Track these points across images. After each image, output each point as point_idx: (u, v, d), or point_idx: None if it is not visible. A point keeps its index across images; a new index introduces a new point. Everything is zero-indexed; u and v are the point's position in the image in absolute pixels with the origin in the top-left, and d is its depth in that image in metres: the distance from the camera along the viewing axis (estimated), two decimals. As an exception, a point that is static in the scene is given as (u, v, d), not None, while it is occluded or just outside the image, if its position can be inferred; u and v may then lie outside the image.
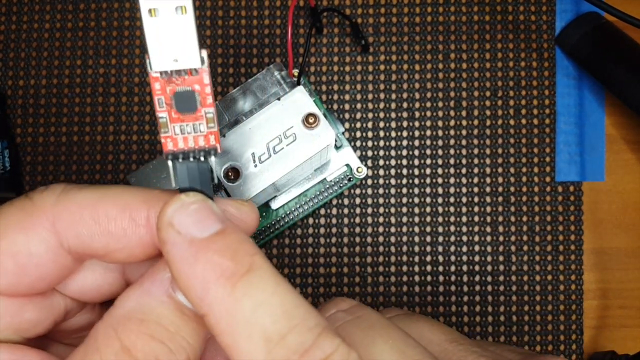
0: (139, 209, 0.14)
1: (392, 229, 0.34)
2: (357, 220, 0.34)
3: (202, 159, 0.15)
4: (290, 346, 0.12)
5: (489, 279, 0.33)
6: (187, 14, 0.14)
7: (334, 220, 0.34)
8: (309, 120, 0.28)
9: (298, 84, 0.31)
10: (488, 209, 0.34)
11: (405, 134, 0.34)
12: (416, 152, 0.34)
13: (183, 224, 0.13)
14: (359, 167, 0.33)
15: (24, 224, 0.14)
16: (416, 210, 0.34)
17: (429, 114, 0.34)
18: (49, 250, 0.14)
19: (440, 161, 0.34)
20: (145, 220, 0.14)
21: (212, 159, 0.15)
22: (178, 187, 0.15)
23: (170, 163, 0.15)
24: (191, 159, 0.15)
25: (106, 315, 0.14)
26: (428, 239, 0.34)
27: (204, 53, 0.15)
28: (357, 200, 0.34)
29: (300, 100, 0.28)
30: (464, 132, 0.34)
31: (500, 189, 0.34)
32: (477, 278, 0.33)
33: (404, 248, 0.34)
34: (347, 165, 0.33)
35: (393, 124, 0.34)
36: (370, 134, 0.34)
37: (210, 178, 0.15)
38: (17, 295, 0.14)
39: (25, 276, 0.14)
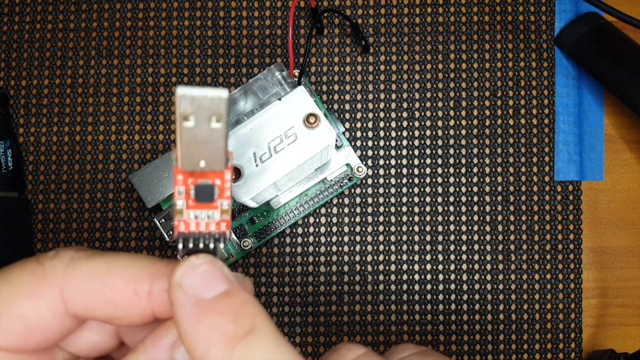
0: (143, 283, 0.15)
1: (392, 228, 0.34)
2: (358, 219, 0.34)
3: (211, 245, 0.16)
4: None
5: (489, 277, 0.34)
6: (220, 122, 0.14)
7: (334, 220, 0.34)
8: (310, 120, 0.28)
9: (299, 84, 0.31)
10: (487, 208, 0.34)
11: (405, 133, 0.34)
12: (416, 152, 0.34)
13: (191, 286, 0.14)
14: (359, 167, 0.33)
15: (34, 290, 0.15)
16: (416, 209, 0.34)
17: (428, 113, 0.34)
18: (56, 316, 0.15)
19: (440, 161, 0.34)
20: (147, 294, 0.15)
21: (221, 245, 0.16)
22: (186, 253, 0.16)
23: (180, 245, 0.15)
24: (201, 245, 0.16)
25: None
26: (428, 238, 0.34)
27: (229, 155, 0.15)
28: (358, 200, 0.34)
29: (301, 100, 0.28)
30: (463, 132, 0.34)
31: (499, 188, 0.34)
32: (476, 277, 0.34)
33: (404, 247, 0.34)
34: (348, 164, 0.33)
35: (393, 124, 0.34)
36: (370, 134, 0.34)
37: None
38: (22, 352, 0.15)
39: (33, 337, 0.15)
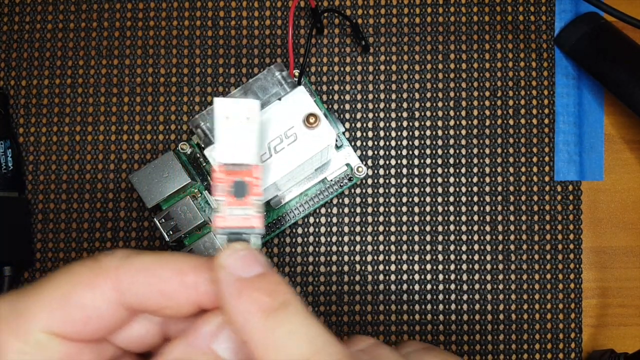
0: (188, 274, 0.17)
1: (392, 228, 0.34)
2: (358, 219, 0.34)
3: (248, 237, 0.18)
4: None
5: (488, 277, 0.34)
6: (252, 123, 0.18)
7: (334, 220, 0.34)
8: (310, 120, 0.28)
9: (299, 84, 0.31)
10: (487, 208, 0.34)
11: (405, 133, 0.34)
12: (416, 152, 0.34)
13: (233, 266, 0.16)
14: (359, 167, 0.33)
15: (92, 283, 0.16)
16: (416, 209, 0.34)
17: (428, 113, 0.34)
18: (111, 306, 0.17)
19: (439, 161, 0.34)
20: (193, 284, 0.17)
21: (255, 238, 0.18)
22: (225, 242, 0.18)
23: (221, 237, 0.18)
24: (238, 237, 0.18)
25: None
26: (428, 238, 0.34)
27: (259, 155, 0.18)
28: (358, 200, 0.34)
29: (301, 100, 0.28)
30: (463, 132, 0.34)
31: (499, 188, 0.34)
32: (476, 277, 0.34)
33: (404, 247, 0.34)
34: (348, 164, 0.33)
35: (393, 124, 0.34)
36: (370, 134, 0.34)
37: None
38: (79, 341, 0.17)
39: (89, 326, 0.16)
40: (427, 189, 0.34)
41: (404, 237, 0.34)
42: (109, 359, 0.18)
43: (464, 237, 0.34)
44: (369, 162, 0.34)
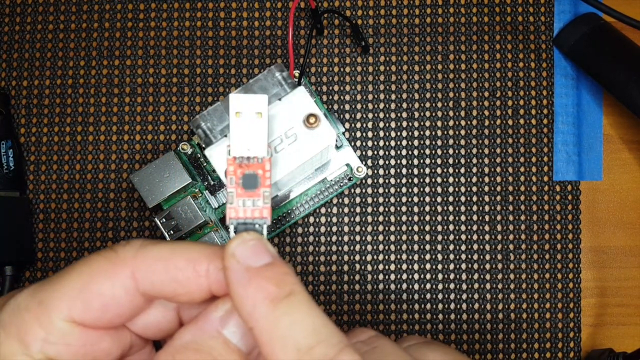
0: (201, 262, 0.17)
1: (392, 228, 0.34)
2: (357, 219, 0.34)
3: (256, 227, 0.19)
4: (316, 356, 0.15)
5: (488, 277, 0.34)
6: (262, 118, 0.19)
7: (334, 220, 0.34)
8: (310, 121, 0.28)
9: (299, 84, 0.31)
10: (487, 208, 0.34)
11: (404, 134, 0.34)
12: (415, 152, 0.34)
13: (242, 255, 0.17)
14: (359, 167, 0.33)
15: (109, 272, 0.17)
16: (416, 209, 0.34)
17: (428, 114, 0.35)
18: (128, 293, 0.17)
19: (439, 161, 0.34)
20: (205, 272, 0.17)
21: (264, 228, 0.19)
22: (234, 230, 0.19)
23: (232, 227, 0.19)
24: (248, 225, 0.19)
25: (166, 346, 0.17)
26: (428, 238, 0.34)
27: (268, 147, 0.19)
28: (357, 200, 0.34)
29: (301, 100, 0.28)
30: (462, 132, 0.34)
31: (498, 188, 0.34)
32: (475, 276, 0.34)
33: (404, 247, 0.34)
34: (348, 164, 0.34)
35: (393, 124, 0.34)
36: (370, 134, 0.34)
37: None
38: (97, 328, 0.17)
39: (107, 313, 0.17)
40: (427, 189, 0.34)
41: (404, 237, 0.34)
42: (127, 345, 0.19)
43: (464, 237, 0.34)
44: (369, 162, 0.34)
